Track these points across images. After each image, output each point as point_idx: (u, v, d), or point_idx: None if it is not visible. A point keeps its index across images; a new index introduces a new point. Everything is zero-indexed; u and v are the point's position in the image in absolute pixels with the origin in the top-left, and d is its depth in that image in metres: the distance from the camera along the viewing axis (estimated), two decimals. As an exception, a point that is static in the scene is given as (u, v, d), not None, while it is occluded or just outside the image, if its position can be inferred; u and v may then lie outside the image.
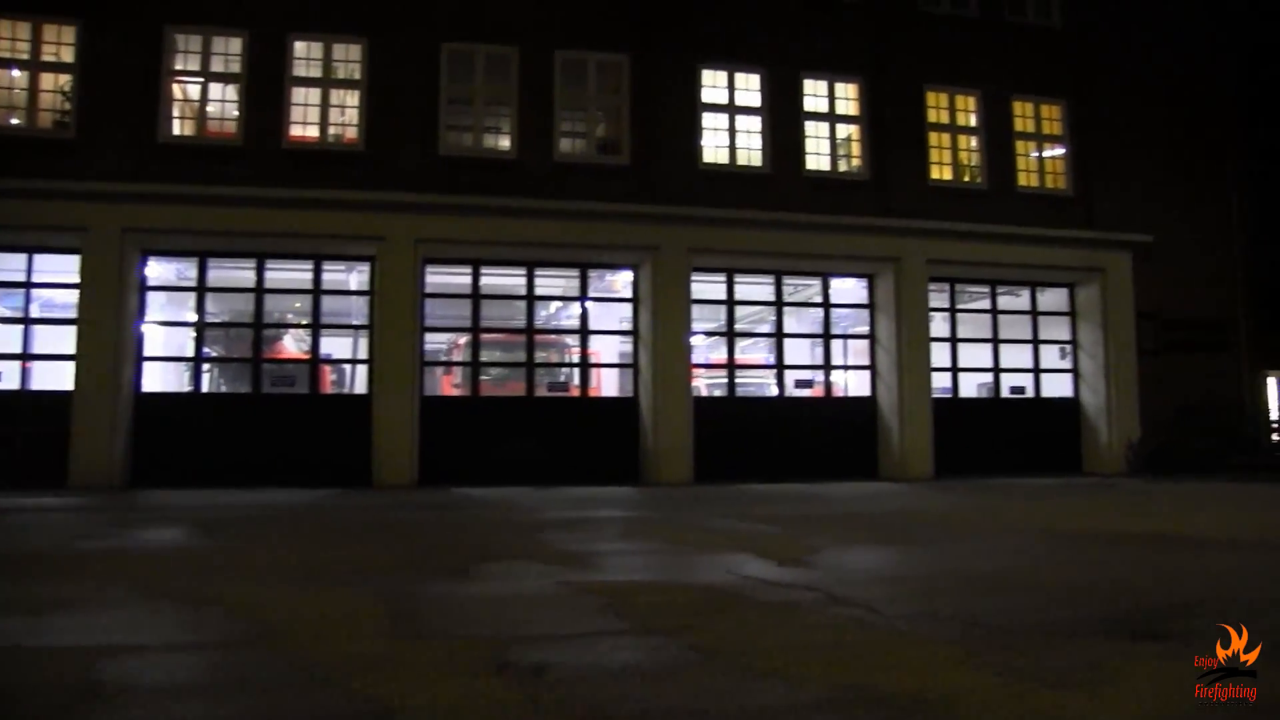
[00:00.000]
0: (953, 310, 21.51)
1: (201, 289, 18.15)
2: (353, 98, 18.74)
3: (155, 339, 18.72)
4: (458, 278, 19.22)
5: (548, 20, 19.39)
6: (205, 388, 18.79)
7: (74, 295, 17.14)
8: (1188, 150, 22.83)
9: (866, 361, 20.92)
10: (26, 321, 17.52)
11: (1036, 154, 22.16)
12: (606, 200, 18.80)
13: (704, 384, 21.09)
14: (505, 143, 19.35)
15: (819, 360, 21.12)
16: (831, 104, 20.91)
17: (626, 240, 18.92)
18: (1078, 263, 21.46)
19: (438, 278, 19.13)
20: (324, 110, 18.59)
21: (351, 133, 18.77)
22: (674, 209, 18.95)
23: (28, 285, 17.69)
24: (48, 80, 17.87)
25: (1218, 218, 22.90)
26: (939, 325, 21.24)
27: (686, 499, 14.59)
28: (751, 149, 20.30)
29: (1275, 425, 24.57)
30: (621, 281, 20.00)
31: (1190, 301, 22.27)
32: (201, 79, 18.34)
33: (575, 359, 19.90)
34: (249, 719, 3.35)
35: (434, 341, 20.27)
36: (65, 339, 17.12)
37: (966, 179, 21.66)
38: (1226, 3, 23.78)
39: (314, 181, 17.72)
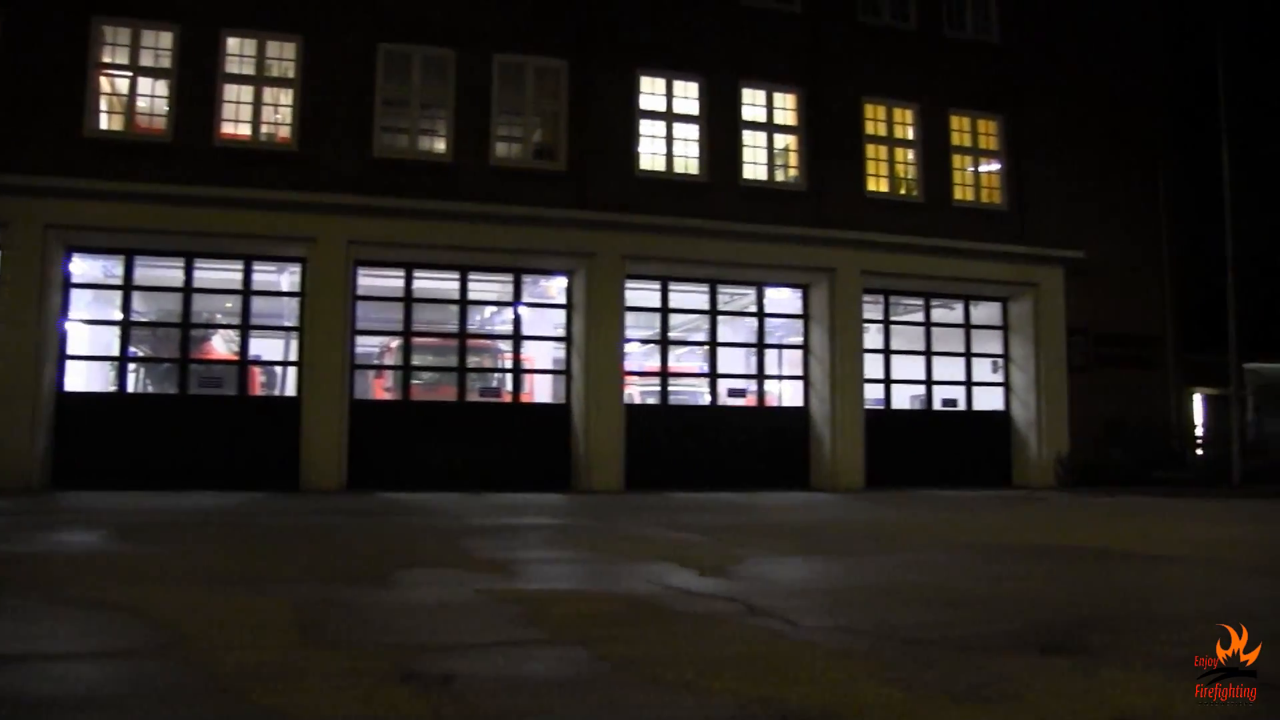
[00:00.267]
0: (886, 322, 21.91)
1: (128, 287, 18.10)
2: (286, 96, 18.74)
3: (81, 338, 18.61)
4: (390, 280, 19.32)
5: (486, 23, 19.52)
6: (131, 388, 18.62)
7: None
8: (1120, 168, 23.45)
9: (800, 372, 21.26)
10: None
11: (974, 169, 22.47)
12: (542, 206, 18.96)
13: (637, 391, 21.27)
14: (441, 146, 19.43)
15: (753, 370, 21.44)
16: (769, 113, 21.26)
17: (561, 246, 19.09)
18: (1011, 277, 21.95)
19: (370, 280, 19.19)
20: (257, 108, 18.59)
21: (284, 132, 18.76)
22: (609, 216, 19.19)
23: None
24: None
25: (1148, 235, 23.53)
26: (873, 337, 21.66)
27: (615, 507, 14.70)
28: (689, 157, 20.58)
29: (1200, 440, 25.11)
30: (556, 287, 20.16)
31: (1120, 317, 22.87)
32: (130, 73, 18.22)
33: (508, 364, 20.00)
34: (139, 731, 3.31)
35: (366, 345, 20.24)
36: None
37: (902, 191, 22.13)
38: (1160, 24, 24.31)
39: (245, 180, 17.72)
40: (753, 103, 21.07)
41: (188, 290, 18.13)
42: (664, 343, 20.48)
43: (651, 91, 20.48)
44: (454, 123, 19.28)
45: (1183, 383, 23.91)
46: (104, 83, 18.33)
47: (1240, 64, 23.81)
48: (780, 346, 21.97)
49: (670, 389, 20.75)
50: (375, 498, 15.87)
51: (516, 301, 19.86)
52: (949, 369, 22.36)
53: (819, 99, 21.22)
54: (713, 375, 20.83)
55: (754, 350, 21.33)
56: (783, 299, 21.60)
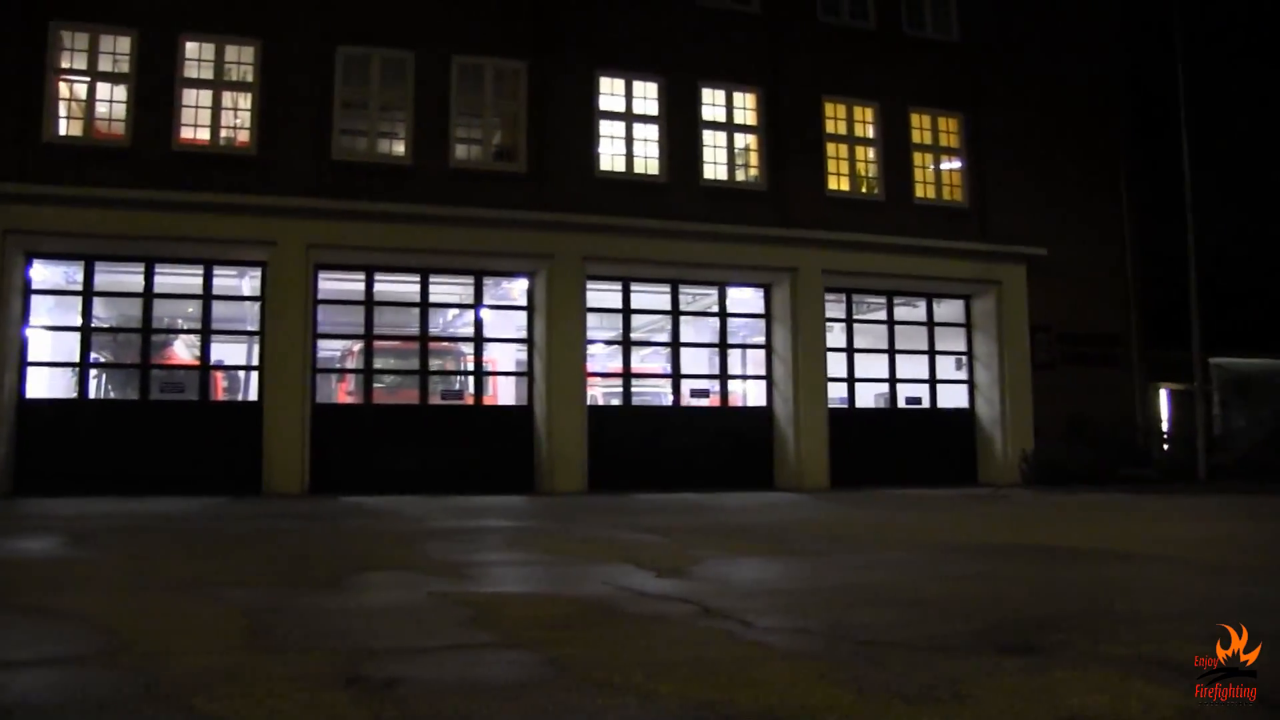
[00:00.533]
0: (849, 321, 22.26)
1: (88, 293, 18.33)
2: (245, 100, 19.04)
3: (42, 344, 18.86)
4: (351, 284, 19.62)
5: (445, 25, 19.82)
6: (93, 394, 18.79)
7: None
8: (1082, 165, 23.87)
9: (763, 371, 21.57)
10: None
11: (935, 167, 22.80)
12: (502, 207, 19.28)
13: (600, 393, 21.54)
14: (400, 148, 19.72)
15: (715, 370, 21.71)
16: (729, 113, 21.63)
17: (521, 248, 19.39)
18: (973, 275, 22.34)
19: (331, 284, 19.48)
20: (215, 112, 18.87)
21: (243, 136, 19.05)
22: (569, 216, 19.53)
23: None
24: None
25: (1110, 232, 23.97)
26: (836, 336, 22.01)
27: (578, 508, 14.97)
28: (649, 157, 20.96)
29: (1166, 436, 25.40)
30: (518, 289, 20.43)
31: (1084, 315, 23.29)
32: (89, 78, 18.44)
33: (470, 367, 20.22)
34: (72, 741, 3.37)
35: (328, 349, 20.43)
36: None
37: (864, 190, 22.51)
38: (1120, 22, 24.72)
39: (204, 184, 17.99)
40: (712, 102, 21.45)
41: (148, 295, 18.38)
42: (626, 344, 20.75)
43: (611, 92, 20.85)
44: (413, 125, 19.57)
45: (1148, 379, 24.31)
46: (62, 88, 18.57)
47: (1199, 60, 24.22)
48: (743, 346, 22.26)
49: (633, 390, 21.04)
50: (337, 502, 16.02)
51: (478, 304, 20.12)
52: (913, 367, 22.71)
53: (779, 98, 21.61)
54: (676, 376, 21.11)
55: (717, 350, 21.59)
56: (745, 299, 21.94)
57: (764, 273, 21.15)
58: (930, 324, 22.90)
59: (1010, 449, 22.04)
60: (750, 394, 22.22)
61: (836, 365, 21.62)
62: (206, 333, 18.72)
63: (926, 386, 22.70)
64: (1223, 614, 4.99)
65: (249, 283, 19.66)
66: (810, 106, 21.85)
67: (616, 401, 21.17)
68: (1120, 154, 24.33)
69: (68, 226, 17.30)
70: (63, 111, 18.53)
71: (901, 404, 22.52)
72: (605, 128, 20.73)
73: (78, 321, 18.26)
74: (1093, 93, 24.25)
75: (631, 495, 17.84)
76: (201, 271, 18.60)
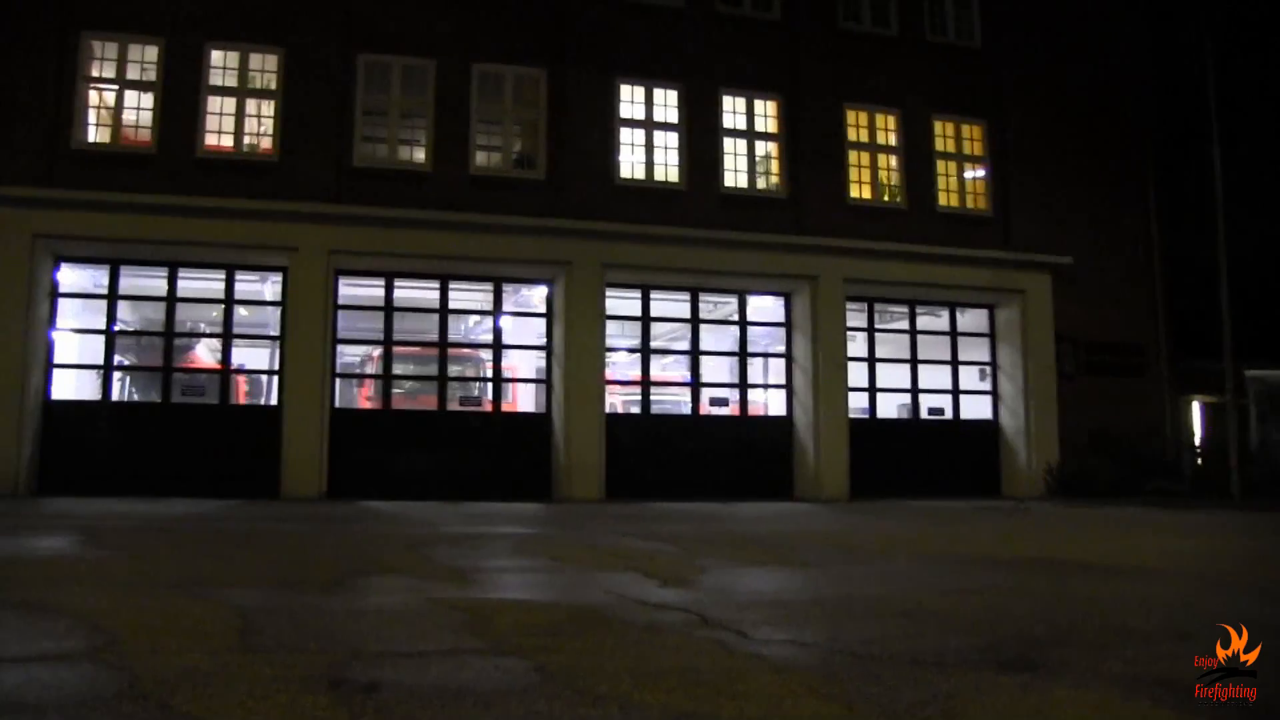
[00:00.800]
0: (871, 330, 22.36)
1: (113, 297, 18.82)
2: (268, 107, 19.52)
3: (68, 346, 19.38)
4: (371, 290, 19.98)
5: (465, 33, 20.24)
6: (115, 396, 19.13)
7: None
8: (1108, 173, 23.90)
9: (783, 380, 21.68)
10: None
11: (958, 174, 22.88)
12: (521, 214, 19.62)
13: (619, 400, 21.67)
14: (420, 155, 20.10)
15: (735, 378, 21.89)
16: (750, 121, 21.82)
17: (540, 255, 19.70)
18: (997, 284, 22.36)
19: (351, 289, 19.85)
20: (239, 119, 19.39)
21: (266, 142, 19.51)
22: (588, 224, 19.79)
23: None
24: (-41, 84, 18.33)
25: (1137, 240, 23.97)
26: (857, 345, 22.09)
27: (592, 516, 15.12)
28: (669, 165, 21.24)
29: (1199, 450, 25.13)
30: (538, 296, 20.69)
31: (1110, 325, 23.24)
32: (116, 86, 19.04)
33: (488, 373, 20.50)
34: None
35: (350, 354, 20.71)
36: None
37: (886, 198, 22.63)
38: (1147, 26, 24.71)
39: (227, 190, 18.51)
40: (733, 110, 21.69)
41: (171, 299, 18.94)
42: (645, 351, 20.97)
43: (631, 99, 21.14)
44: (433, 132, 19.97)
45: (1178, 391, 24.23)
46: (91, 95, 19.10)
47: (1230, 64, 24.11)
48: (763, 355, 22.46)
49: (652, 398, 21.22)
50: (353, 506, 16.36)
51: (497, 310, 20.46)
52: (935, 377, 22.75)
53: (800, 105, 21.83)
54: (695, 384, 21.36)
55: (736, 359, 21.80)
56: (765, 307, 22.09)
57: (784, 281, 21.29)
58: (953, 333, 22.95)
59: (1034, 461, 21.97)
60: (770, 403, 22.36)
61: (858, 375, 21.72)
62: (228, 337, 19.28)
63: (949, 397, 22.72)
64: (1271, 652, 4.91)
65: (270, 287, 20.04)
66: (831, 113, 22.06)
67: (635, 409, 21.35)
68: (1148, 160, 24.30)
69: (94, 231, 17.83)
70: (91, 119, 19.09)
71: (924, 414, 22.62)
72: (625, 135, 21.01)
73: (102, 324, 18.75)
74: (1119, 98, 24.27)
75: (648, 504, 18.03)
76: (224, 276, 19.09)
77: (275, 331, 19.48)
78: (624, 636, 5.22)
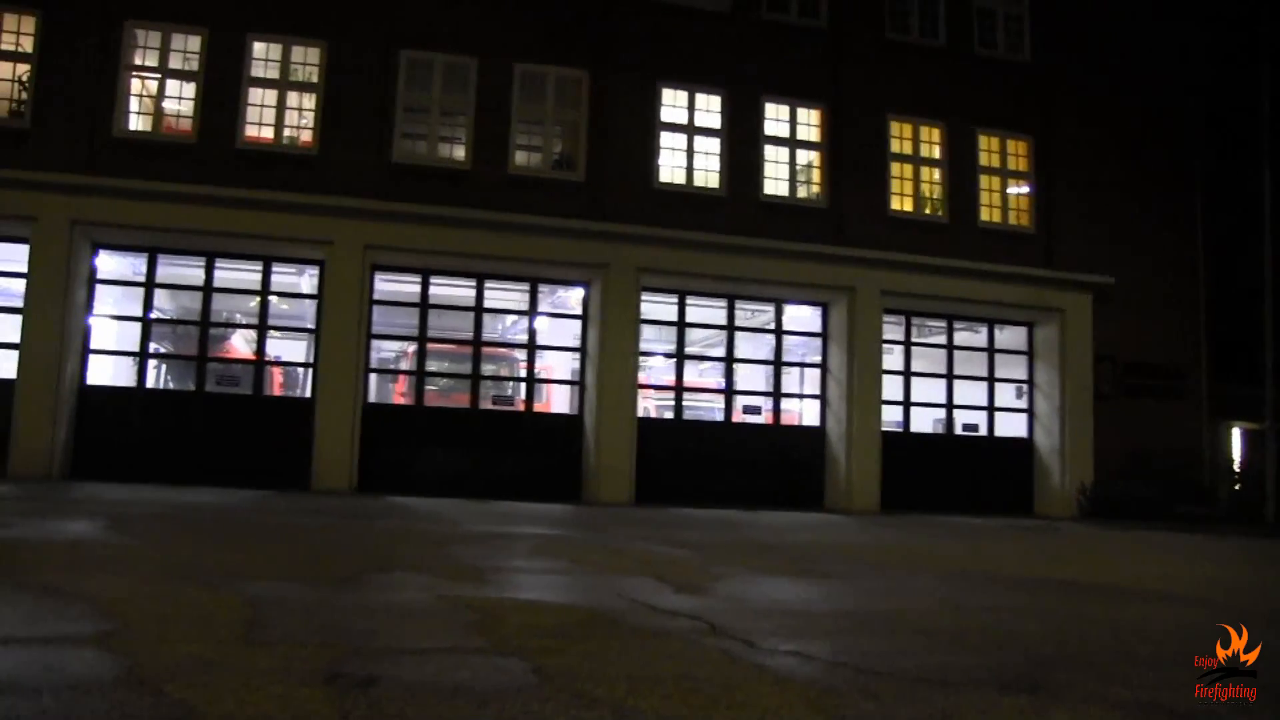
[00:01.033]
0: (908, 343, 22.12)
1: (150, 285, 18.80)
2: (309, 100, 19.42)
3: (107, 333, 19.39)
4: (407, 286, 19.86)
5: (508, 33, 20.12)
6: (150, 383, 19.18)
7: (23, 284, 17.74)
8: (1153, 193, 23.48)
9: (817, 391, 21.48)
10: (-26, 308, 18.24)
11: (1001, 190, 22.62)
12: (559, 216, 19.47)
13: (652, 405, 21.56)
14: (460, 153, 20.01)
15: (769, 387, 21.66)
16: (793, 129, 21.59)
17: (577, 257, 19.57)
18: (1037, 301, 22.08)
19: (387, 285, 19.77)
20: (279, 112, 19.30)
21: (306, 135, 19.44)
22: (625, 227, 19.62)
23: (-23, 272, 18.32)
24: (5, 69, 18.48)
25: (1181, 262, 23.46)
26: (894, 358, 21.87)
27: (619, 520, 14.99)
28: (709, 170, 21.00)
29: (1237, 476, 24.79)
30: (574, 298, 20.56)
31: (1150, 346, 22.86)
32: (159, 75, 19.03)
33: (522, 373, 20.39)
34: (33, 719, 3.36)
35: (385, 349, 20.73)
36: (13, 328, 17.70)
37: (927, 211, 22.34)
38: (1196, 43, 24.27)
39: (266, 182, 18.40)
40: (775, 117, 21.44)
41: (208, 289, 18.84)
42: (680, 356, 20.81)
43: (673, 104, 20.93)
44: (473, 130, 19.86)
45: (1218, 415, 23.81)
46: (134, 84, 19.09)
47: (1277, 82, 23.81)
48: (798, 365, 22.25)
49: (685, 404, 21.09)
50: (381, 501, 16.29)
51: (532, 311, 20.32)
52: (971, 393, 22.50)
53: (844, 115, 21.57)
54: (728, 391, 21.17)
55: (771, 367, 21.58)
56: (802, 316, 21.89)
57: (822, 291, 21.06)
58: (991, 350, 22.68)
59: (1068, 481, 21.68)
60: (803, 413, 22.12)
61: (893, 388, 21.51)
62: (263, 328, 19.20)
63: (984, 414, 22.43)
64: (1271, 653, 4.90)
65: (308, 280, 19.99)
66: (875, 124, 21.78)
67: (668, 415, 21.19)
68: (1194, 179, 23.83)
69: (133, 219, 17.80)
70: (133, 107, 19.05)
71: (958, 430, 22.31)
72: (665, 139, 20.82)
73: (139, 312, 18.75)
74: (1167, 117, 23.85)
75: (676, 509, 17.88)
76: (261, 267, 19.04)
77: (311, 324, 19.45)
78: (629, 641, 5.16)
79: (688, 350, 21.18)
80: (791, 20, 21.66)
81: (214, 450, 18.08)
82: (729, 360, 21.14)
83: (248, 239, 18.36)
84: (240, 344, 21.16)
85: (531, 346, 20.36)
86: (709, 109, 21.09)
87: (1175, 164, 23.81)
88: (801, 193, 21.73)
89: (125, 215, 17.75)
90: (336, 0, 19.45)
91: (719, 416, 21.35)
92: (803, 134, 21.67)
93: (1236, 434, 25.74)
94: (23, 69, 18.35)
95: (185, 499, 14.14)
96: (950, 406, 22.23)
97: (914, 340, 22.28)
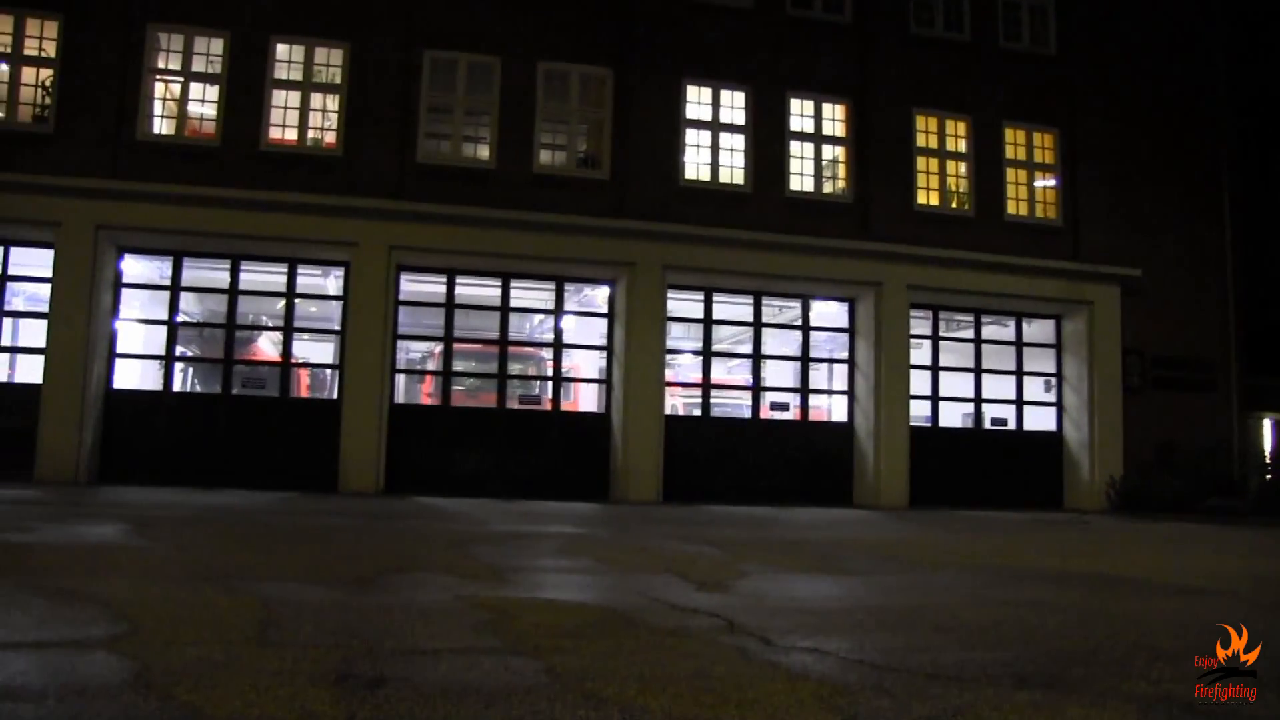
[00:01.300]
0: (935, 338, 21.69)
1: (175, 288, 18.53)
2: (333, 102, 19.18)
3: (134, 336, 19.17)
4: (433, 286, 19.56)
5: (531, 31, 19.79)
6: (176, 387, 19.05)
7: (48, 289, 17.55)
8: (1182, 184, 23.01)
9: (845, 386, 21.15)
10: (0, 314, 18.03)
11: (1028, 183, 22.32)
12: (584, 214, 19.14)
13: (680, 403, 21.31)
14: (484, 152, 19.74)
15: (797, 383, 21.32)
16: (818, 124, 21.24)
17: (602, 255, 19.23)
18: (1065, 294, 21.65)
19: (413, 285, 19.49)
20: (303, 114, 19.01)
21: (330, 137, 19.19)
22: (651, 225, 19.28)
23: (2, 278, 18.07)
24: (29, 74, 18.25)
25: (1209, 254, 23.01)
26: (921, 353, 21.47)
27: (645, 518, 14.75)
28: (734, 167, 20.65)
29: (1269, 467, 24.53)
30: (600, 296, 20.25)
31: (1179, 338, 22.43)
32: (182, 78, 18.76)
33: (549, 372, 20.16)
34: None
35: (411, 350, 20.66)
36: (39, 332, 17.56)
37: (954, 205, 21.97)
38: (1223, 34, 23.91)
39: (290, 185, 18.13)
40: (800, 113, 21.08)
41: (233, 292, 18.58)
42: (707, 354, 20.46)
43: (697, 100, 20.57)
44: (497, 130, 19.54)
45: (1248, 407, 23.34)
46: (157, 87, 18.85)
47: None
48: (826, 360, 21.86)
49: (712, 401, 20.63)
50: (407, 501, 16.09)
51: (558, 310, 20.01)
52: (999, 387, 22.06)
53: (869, 110, 21.17)
54: (756, 388, 20.79)
55: (798, 364, 21.23)
56: (829, 312, 21.49)
57: (848, 286, 20.73)
58: (1019, 343, 22.23)
59: (1097, 474, 21.26)
60: (831, 409, 21.74)
61: (921, 383, 21.11)
62: (289, 330, 18.93)
63: (1013, 407, 21.98)
64: (1268, 655, 4.72)
65: (334, 281, 19.68)
66: (901, 119, 21.39)
67: (695, 412, 20.80)
68: (1222, 170, 23.34)
69: (158, 223, 17.58)
70: (156, 110, 18.80)
71: (987, 424, 21.88)
72: (690, 136, 20.47)
73: (165, 315, 18.50)
74: (1195, 108, 23.37)
75: (703, 507, 17.64)
76: (286, 270, 18.79)
77: (337, 326, 19.12)
78: (645, 640, 5.07)
79: (714, 347, 20.74)
80: (816, 15, 21.28)
81: (240, 453, 17.82)
82: (756, 357, 20.76)
83: (272, 241, 18.11)
84: (266, 346, 21.06)
85: (558, 345, 20.00)
86: (734, 105, 20.70)
87: (1202, 155, 23.29)
88: (827, 188, 21.38)
89: (149, 219, 17.52)
90: (359, 2, 19.14)
91: (746, 413, 20.89)
92: (828, 129, 21.28)
93: (1268, 425, 25.42)
94: (46, 74, 18.10)
95: (210, 501, 14.01)
96: (978, 401, 21.79)
97: (941, 335, 21.83)
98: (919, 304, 21.13)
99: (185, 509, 12.61)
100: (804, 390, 21.17)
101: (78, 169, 17.40)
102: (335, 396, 18.71)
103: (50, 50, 18.14)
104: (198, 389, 19.94)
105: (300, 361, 19.96)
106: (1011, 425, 22.10)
